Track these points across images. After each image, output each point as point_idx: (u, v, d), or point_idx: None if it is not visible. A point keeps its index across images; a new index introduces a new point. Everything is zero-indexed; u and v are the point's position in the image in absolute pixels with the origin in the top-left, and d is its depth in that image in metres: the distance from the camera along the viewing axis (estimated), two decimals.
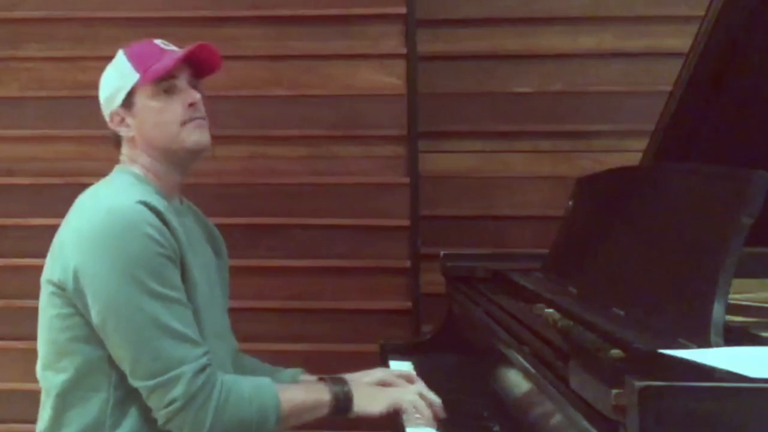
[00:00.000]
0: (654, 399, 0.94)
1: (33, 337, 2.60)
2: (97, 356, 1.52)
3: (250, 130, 2.61)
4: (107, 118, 1.69)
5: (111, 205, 1.53)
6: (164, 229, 1.51)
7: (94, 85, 2.64)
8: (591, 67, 2.62)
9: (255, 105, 2.58)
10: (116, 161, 2.65)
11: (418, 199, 2.61)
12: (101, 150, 2.64)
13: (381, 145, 2.60)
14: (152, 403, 1.49)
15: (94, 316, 1.49)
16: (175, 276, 1.52)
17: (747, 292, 1.62)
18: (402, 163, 2.61)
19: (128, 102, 1.64)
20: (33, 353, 2.60)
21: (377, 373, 1.76)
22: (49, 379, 1.58)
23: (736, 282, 1.29)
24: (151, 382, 1.47)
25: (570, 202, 2.00)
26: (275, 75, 2.61)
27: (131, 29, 2.63)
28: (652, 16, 2.58)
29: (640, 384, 0.94)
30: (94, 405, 1.54)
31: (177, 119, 1.62)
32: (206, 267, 1.67)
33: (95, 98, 2.63)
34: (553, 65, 2.63)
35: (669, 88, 1.85)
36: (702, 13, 1.73)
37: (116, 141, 1.70)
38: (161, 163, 1.65)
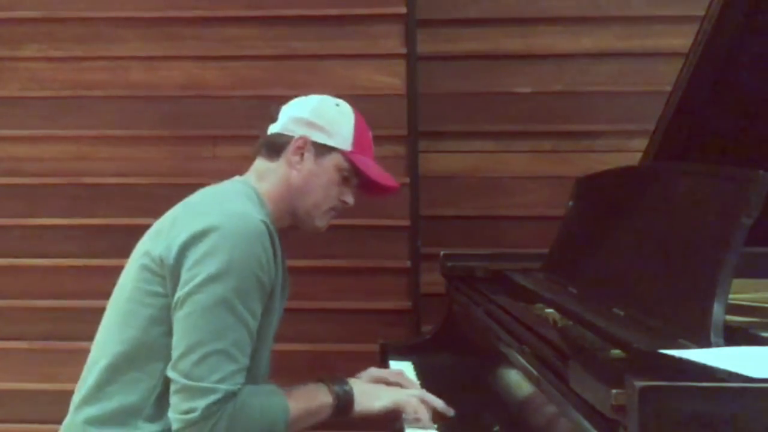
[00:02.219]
0: (654, 399, 0.94)
1: (33, 337, 2.63)
2: (162, 342, 1.53)
3: (250, 130, 2.61)
4: (289, 131, 1.70)
5: (238, 210, 1.56)
6: (272, 257, 1.55)
7: (94, 85, 2.67)
8: (591, 67, 2.61)
9: (255, 105, 2.58)
10: (115, 161, 2.68)
11: (418, 199, 2.61)
12: (101, 150, 2.66)
13: (381, 145, 2.58)
14: (174, 400, 1.49)
15: (177, 295, 1.50)
16: (258, 305, 1.54)
17: (747, 292, 1.62)
18: (402, 163, 2.61)
19: (323, 149, 1.69)
20: (33, 353, 2.62)
21: (374, 372, 1.77)
22: (105, 347, 1.59)
23: (736, 282, 1.29)
24: (184, 381, 1.47)
25: (570, 202, 2.00)
26: (275, 75, 2.61)
27: (131, 29, 2.64)
28: (652, 16, 2.58)
29: (640, 384, 0.94)
30: (139, 389, 1.55)
31: (331, 202, 1.73)
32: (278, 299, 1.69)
33: (95, 98, 2.67)
34: (553, 65, 2.62)
35: (669, 88, 1.85)
36: (702, 13, 1.73)
37: (266, 151, 1.72)
38: (288, 205, 1.70)
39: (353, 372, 1.78)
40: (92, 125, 2.66)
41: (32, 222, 2.66)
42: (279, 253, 1.60)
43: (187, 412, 1.46)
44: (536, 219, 2.57)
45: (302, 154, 1.68)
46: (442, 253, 2.20)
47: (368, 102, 2.59)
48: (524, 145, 2.64)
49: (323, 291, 2.61)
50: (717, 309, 1.21)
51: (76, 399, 1.62)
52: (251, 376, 1.55)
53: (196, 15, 2.62)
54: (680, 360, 1.10)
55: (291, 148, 1.68)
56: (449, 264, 2.15)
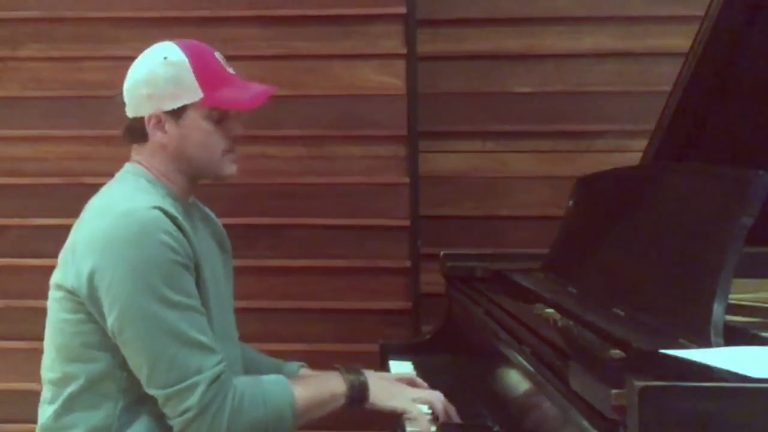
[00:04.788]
0: (654, 399, 0.94)
1: (33, 337, 2.60)
2: (109, 363, 1.51)
3: (249, 130, 2.60)
4: (139, 113, 1.60)
5: (126, 209, 1.50)
6: (179, 235, 1.49)
7: (94, 85, 2.67)
8: (591, 67, 2.61)
9: None
10: (115, 161, 2.67)
11: (418, 199, 2.61)
12: (101, 150, 2.66)
13: (381, 145, 2.60)
14: (167, 410, 1.48)
15: (111, 323, 1.47)
16: (190, 283, 1.50)
17: (747, 292, 1.62)
18: (402, 163, 2.61)
19: (177, 112, 1.58)
20: (33, 353, 2.60)
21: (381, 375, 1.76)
22: (57, 382, 1.57)
23: (736, 282, 1.29)
24: (166, 391, 1.46)
25: (570, 202, 2.00)
26: (275, 75, 2.61)
27: (131, 29, 2.63)
28: (652, 16, 2.58)
29: (640, 384, 0.94)
30: (103, 409, 1.53)
31: (221, 146, 1.61)
32: (213, 266, 1.66)
33: (95, 98, 2.67)
34: (553, 65, 2.62)
35: (669, 88, 1.85)
36: (702, 13, 1.73)
37: (132, 138, 1.63)
38: (183, 174, 1.62)
39: None
40: (92, 125, 2.65)
41: (32, 222, 2.66)
42: (188, 226, 1.54)
43: (183, 413, 1.45)
44: (536, 219, 2.57)
45: (163, 128, 1.58)
46: (442, 253, 2.20)
47: (368, 102, 2.60)
48: (524, 145, 2.64)
49: (323, 291, 2.61)
50: (717, 309, 1.21)
51: (38, 428, 1.61)
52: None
53: (196, 15, 2.61)
54: (680, 360, 1.10)
55: (150, 129, 1.59)
56: (449, 264, 2.15)
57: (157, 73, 1.58)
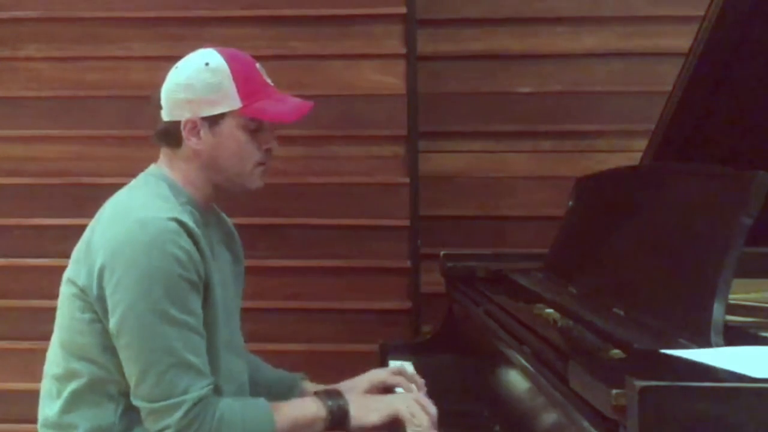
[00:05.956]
0: (654, 399, 0.94)
1: (33, 337, 2.63)
2: (112, 366, 1.52)
3: None
4: (175, 117, 1.58)
5: (143, 217, 1.49)
6: (193, 250, 1.48)
7: (94, 85, 2.68)
8: (591, 67, 2.62)
9: None
10: (115, 161, 2.68)
11: (418, 199, 2.61)
12: (101, 150, 2.66)
13: (381, 145, 2.60)
14: (147, 424, 1.49)
15: (112, 325, 1.48)
16: (194, 301, 1.49)
17: (747, 292, 1.62)
18: (402, 163, 2.61)
19: (214, 119, 1.57)
20: (33, 353, 2.62)
21: (374, 375, 1.76)
22: (60, 378, 1.57)
23: (736, 282, 1.29)
24: (149, 405, 1.46)
25: (570, 202, 2.00)
26: (275, 75, 2.59)
27: (131, 29, 2.64)
28: (652, 16, 2.58)
29: (640, 384, 0.94)
30: (104, 409, 1.53)
31: (254, 158, 1.60)
32: (225, 278, 1.65)
33: (95, 98, 2.67)
34: (553, 65, 2.63)
35: (669, 88, 1.85)
36: (702, 13, 1.73)
37: (165, 141, 1.61)
38: (210, 183, 1.61)
39: (353, 372, 1.79)
40: (92, 125, 2.66)
41: (32, 222, 2.66)
42: (206, 235, 1.54)
43: (161, 430, 1.46)
44: (536, 219, 2.57)
45: (198, 134, 1.57)
46: (442, 253, 2.20)
47: (368, 102, 2.61)
48: (524, 145, 2.65)
49: (323, 291, 2.61)
50: (717, 309, 1.21)
51: (40, 422, 1.61)
52: (214, 368, 1.52)
53: (196, 15, 2.61)
54: (680, 360, 1.10)
55: (184, 133, 1.57)
56: (449, 264, 2.15)
57: (198, 78, 1.57)
